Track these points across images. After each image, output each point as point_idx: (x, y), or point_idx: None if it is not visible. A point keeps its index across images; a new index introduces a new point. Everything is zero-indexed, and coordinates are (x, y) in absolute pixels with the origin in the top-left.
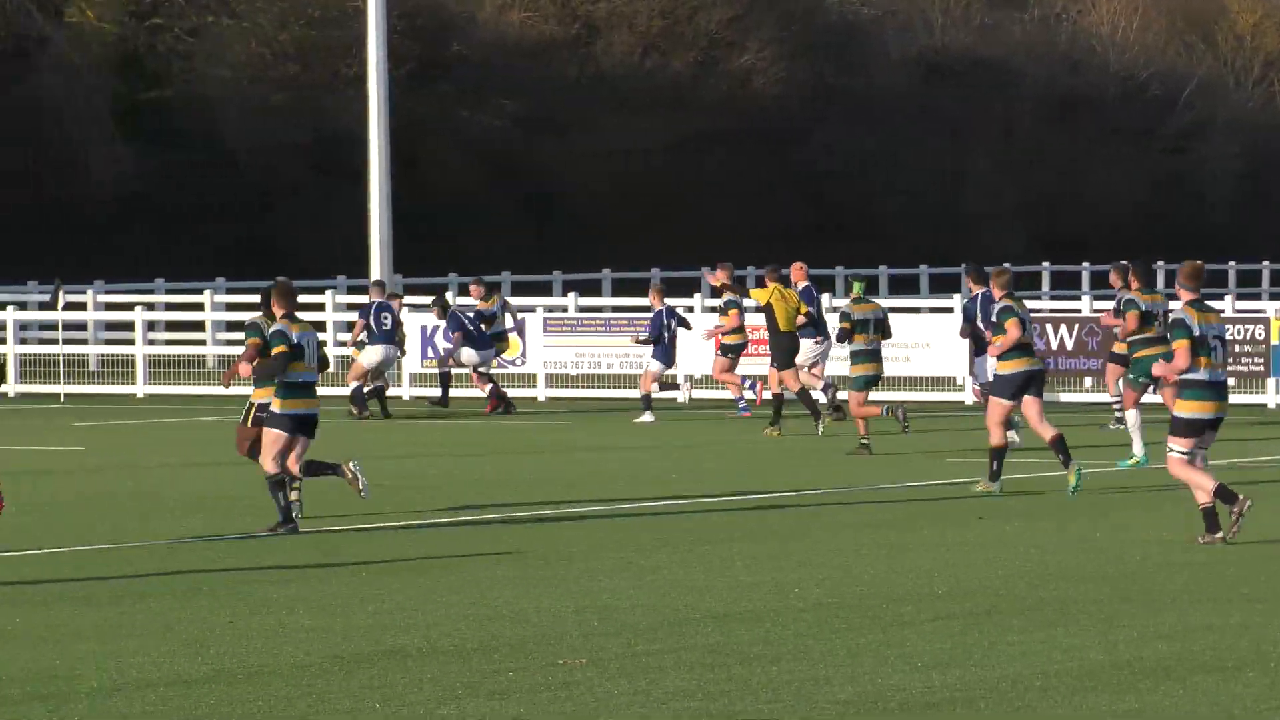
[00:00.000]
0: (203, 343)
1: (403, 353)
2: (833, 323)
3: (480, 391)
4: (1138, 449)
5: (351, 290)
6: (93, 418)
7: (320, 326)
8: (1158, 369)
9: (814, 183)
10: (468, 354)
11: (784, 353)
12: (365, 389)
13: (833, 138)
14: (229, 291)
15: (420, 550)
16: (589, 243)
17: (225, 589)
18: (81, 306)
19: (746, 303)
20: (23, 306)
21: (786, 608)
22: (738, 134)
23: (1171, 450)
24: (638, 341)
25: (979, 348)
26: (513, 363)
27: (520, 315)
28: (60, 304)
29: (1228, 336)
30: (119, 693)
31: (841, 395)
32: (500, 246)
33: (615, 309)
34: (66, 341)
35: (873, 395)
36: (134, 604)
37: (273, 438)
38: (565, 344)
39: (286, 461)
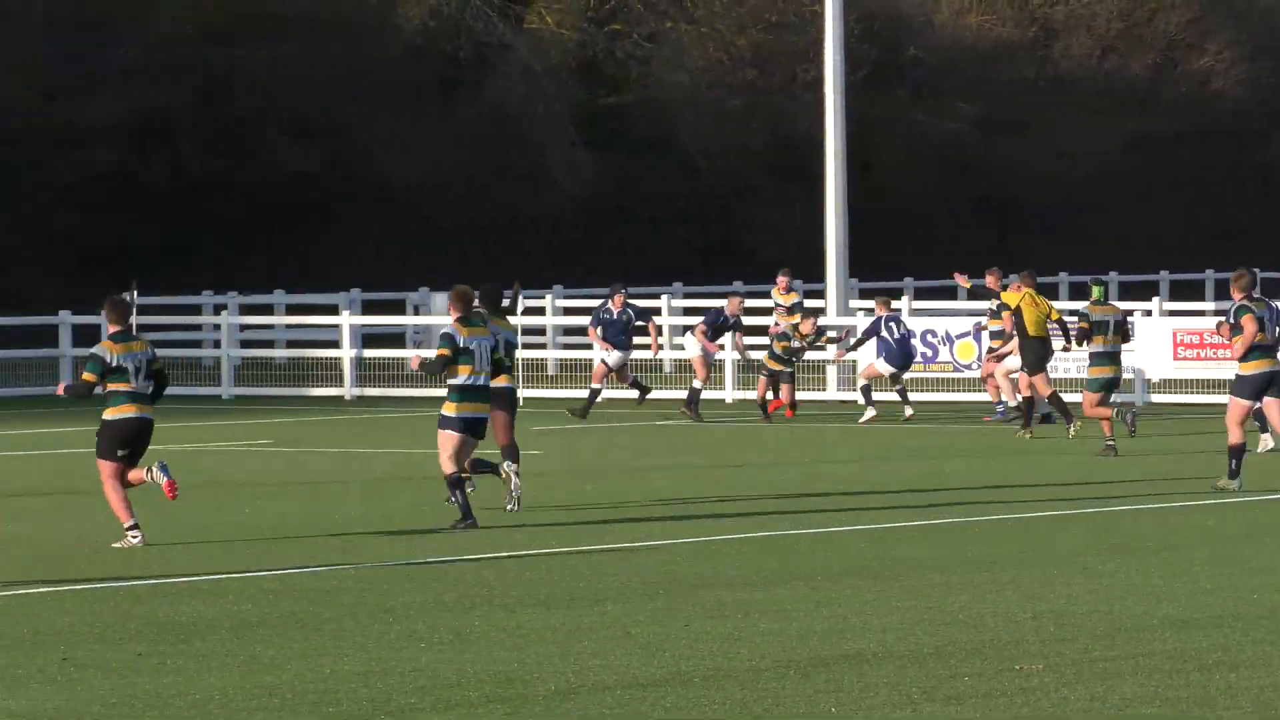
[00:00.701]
0: (660, 347)
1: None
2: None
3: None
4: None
5: (808, 295)
6: (550, 421)
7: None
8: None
9: (1275, 184)
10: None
11: (1035, 357)
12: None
13: None
14: (685, 296)
15: (876, 556)
16: (1047, 245)
17: (681, 592)
18: (540, 311)
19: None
20: None
21: (1246, 614)
22: (1196, 135)
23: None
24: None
25: None
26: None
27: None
28: (520, 308)
29: None
30: (575, 695)
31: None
32: (957, 249)
33: (1070, 313)
34: (525, 346)
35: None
36: (591, 608)
37: (444, 438)
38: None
39: (463, 461)
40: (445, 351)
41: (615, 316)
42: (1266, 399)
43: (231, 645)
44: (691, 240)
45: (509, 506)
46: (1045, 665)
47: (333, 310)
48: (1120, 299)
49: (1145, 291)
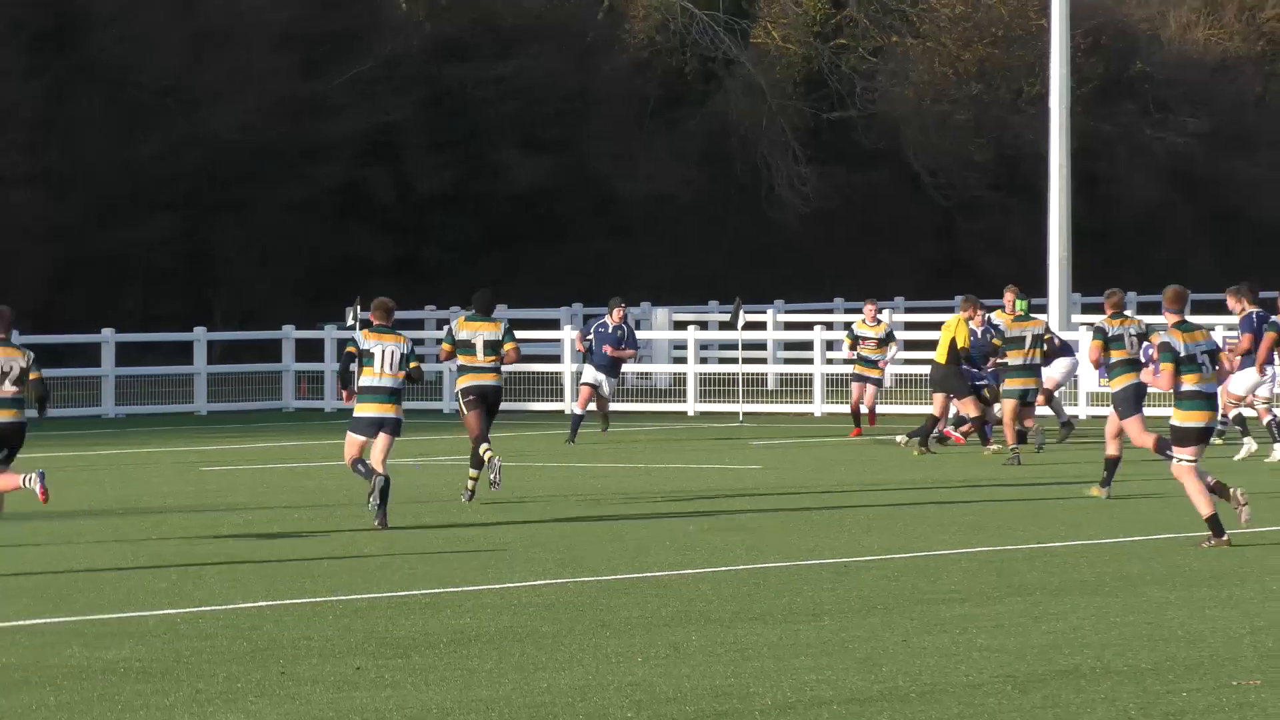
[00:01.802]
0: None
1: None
2: None
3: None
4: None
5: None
6: (770, 435)
7: None
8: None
9: None
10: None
11: (959, 381)
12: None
13: None
14: (907, 310)
15: (1092, 572)
16: (1272, 262)
17: (899, 607)
18: (762, 326)
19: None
20: (703, 326)
21: None
22: None
23: (1179, 459)
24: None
25: None
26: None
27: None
28: (741, 323)
29: None
30: (792, 710)
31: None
32: (1183, 265)
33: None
34: (746, 361)
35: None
36: (808, 622)
37: (349, 439)
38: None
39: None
40: (351, 350)
41: (611, 330)
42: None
43: (449, 659)
44: (914, 255)
45: (493, 478)
46: (1263, 680)
47: (555, 325)
48: None
49: None
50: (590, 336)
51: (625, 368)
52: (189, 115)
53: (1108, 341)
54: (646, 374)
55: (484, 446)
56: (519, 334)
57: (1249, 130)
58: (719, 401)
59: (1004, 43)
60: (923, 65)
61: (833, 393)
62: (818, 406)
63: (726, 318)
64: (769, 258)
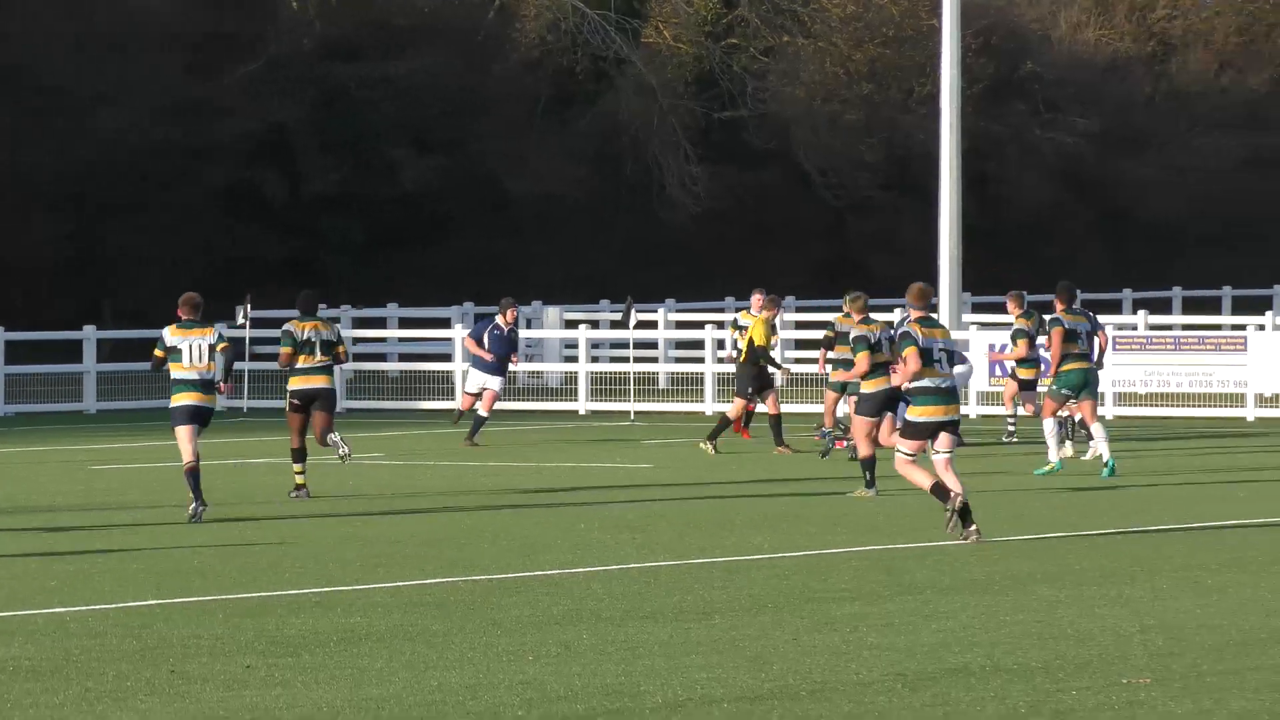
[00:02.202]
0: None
1: None
2: None
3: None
4: (1053, 455)
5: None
6: (660, 434)
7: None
8: (895, 379)
9: None
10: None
11: (752, 380)
12: None
13: None
14: (798, 310)
15: (983, 571)
16: (1161, 260)
17: (789, 606)
18: (653, 325)
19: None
20: (595, 325)
21: None
22: None
23: (899, 451)
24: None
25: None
26: None
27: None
28: (633, 322)
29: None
30: (682, 708)
31: None
32: (1072, 264)
33: (1185, 326)
34: (638, 360)
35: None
36: (698, 621)
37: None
38: (1134, 362)
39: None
40: (158, 351)
41: (505, 333)
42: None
43: (339, 658)
44: (806, 254)
45: (341, 452)
46: (1153, 679)
47: (445, 324)
48: (1234, 313)
49: (1261, 306)
50: (481, 340)
51: (517, 367)
52: (78, 116)
53: (849, 344)
54: (538, 373)
55: (331, 435)
56: (409, 333)
57: (1138, 130)
58: (610, 400)
59: (895, 43)
60: (814, 65)
61: (723, 391)
62: (709, 405)
63: (618, 317)
64: (660, 257)
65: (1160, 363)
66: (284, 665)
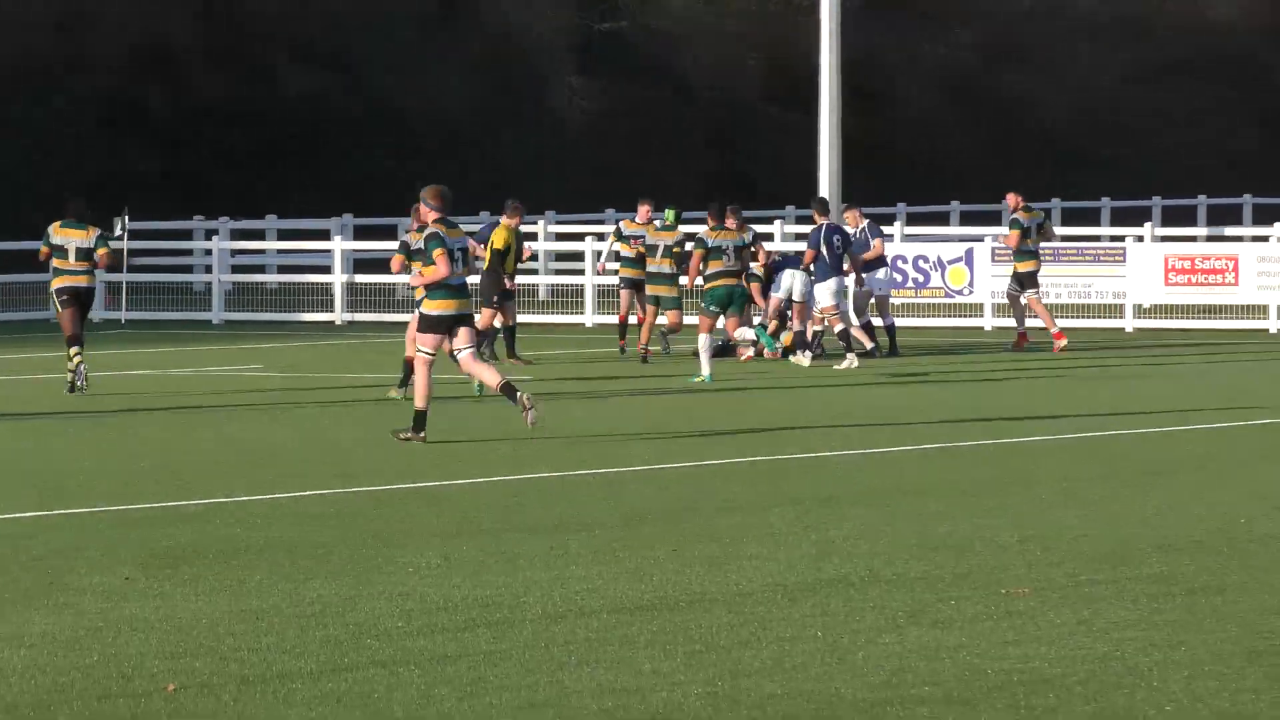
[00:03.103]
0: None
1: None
2: None
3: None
4: (705, 369)
5: (800, 220)
6: (538, 347)
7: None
8: (414, 279)
9: (1272, 112)
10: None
11: (494, 289)
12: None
13: None
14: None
15: (865, 483)
16: (1044, 171)
17: (670, 518)
18: (532, 238)
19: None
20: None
21: (1233, 538)
22: (1194, 63)
23: (420, 350)
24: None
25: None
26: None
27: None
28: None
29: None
30: (562, 619)
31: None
32: (957, 176)
33: (1065, 238)
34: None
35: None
36: (578, 533)
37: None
38: (1003, 274)
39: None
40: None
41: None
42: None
43: (219, 570)
44: (690, 167)
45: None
46: (1032, 589)
47: (324, 235)
48: (1114, 225)
49: (1139, 217)
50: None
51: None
52: None
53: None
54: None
55: (75, 349)
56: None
57: (1020, 42)
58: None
59: None
60: None
61: (604, 304)
62: (589, 317)
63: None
64: (545, 169)
65: (1040, 274)
66: (163, 577)
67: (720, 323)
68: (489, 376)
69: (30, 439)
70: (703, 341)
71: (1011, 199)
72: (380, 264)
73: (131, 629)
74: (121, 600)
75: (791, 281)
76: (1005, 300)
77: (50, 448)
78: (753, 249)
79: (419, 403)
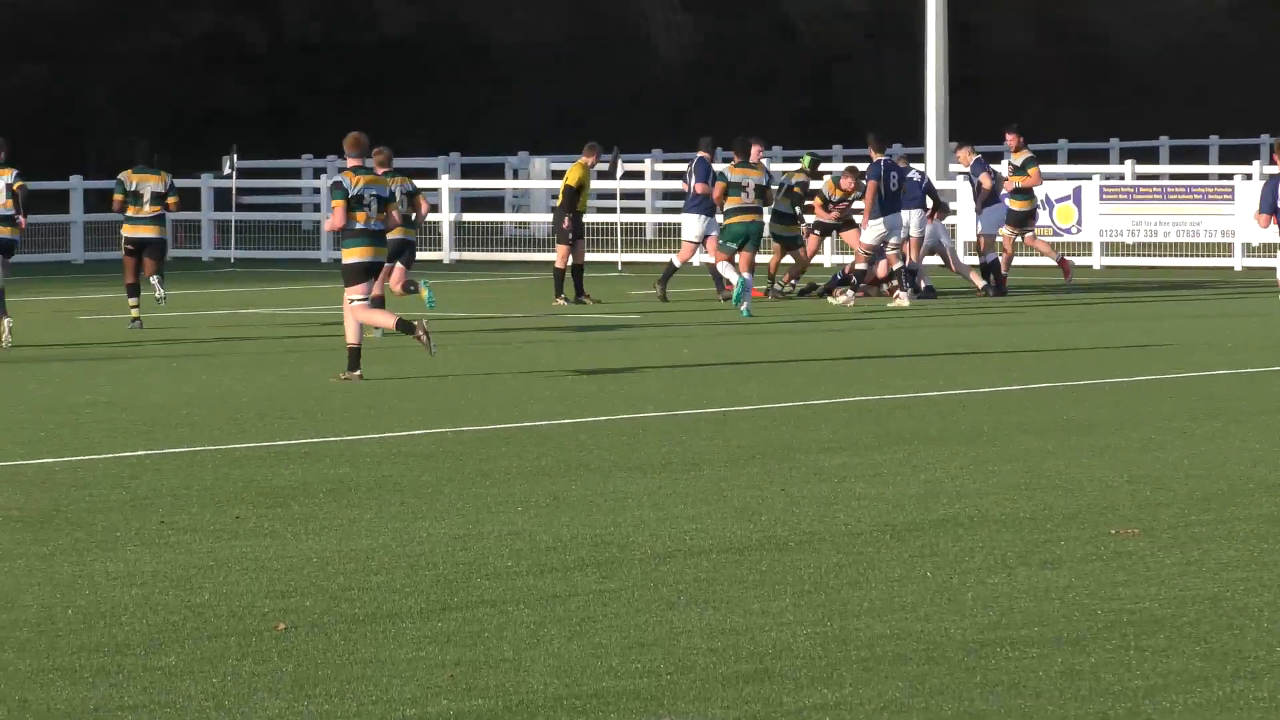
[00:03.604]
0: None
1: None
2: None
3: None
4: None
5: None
6: (649, 286)
7: None
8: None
9: None
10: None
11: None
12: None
13: None
14: (784, 160)
15: (971, 421)
16: (1146, 109)
17: (777, 457)
18: (640, 175)
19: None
20: None
21: None
22: None
23: (351, 300)
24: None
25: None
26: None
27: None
28: (619, 173)
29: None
30: (671, 559)
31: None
32: (1056, 113)
33: (1172, 176)
34: (624, 211)
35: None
36: (686, 471)
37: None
38: (1121, 212)
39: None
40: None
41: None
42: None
43: (329, 508)
44: (789, 105)
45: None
46: (1141, 530)
47: (432, 174)
48: (1221, 162)
49: (1247, 155)
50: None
51: (508, 217)
52: None
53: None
54: (524, 224)
55: (133, 301)
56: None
57: None
58: (598, 251)
59: None
60: None
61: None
62: (697, 256)
63: (605, 167)
64: (645, 107)
65: (1148, 213)
66: (273, 516)
67: (736, 259)
68: (383, 319)
69: (137, 380)
70: (722, 267)
71: (1012, 139)
72: (489, 203)
73: (242, 568)
74: (231, 539)
75: (908, 218)
76: (1113, 239)
77: (157, 387)
78: (799, 190)
79: (351, 339)
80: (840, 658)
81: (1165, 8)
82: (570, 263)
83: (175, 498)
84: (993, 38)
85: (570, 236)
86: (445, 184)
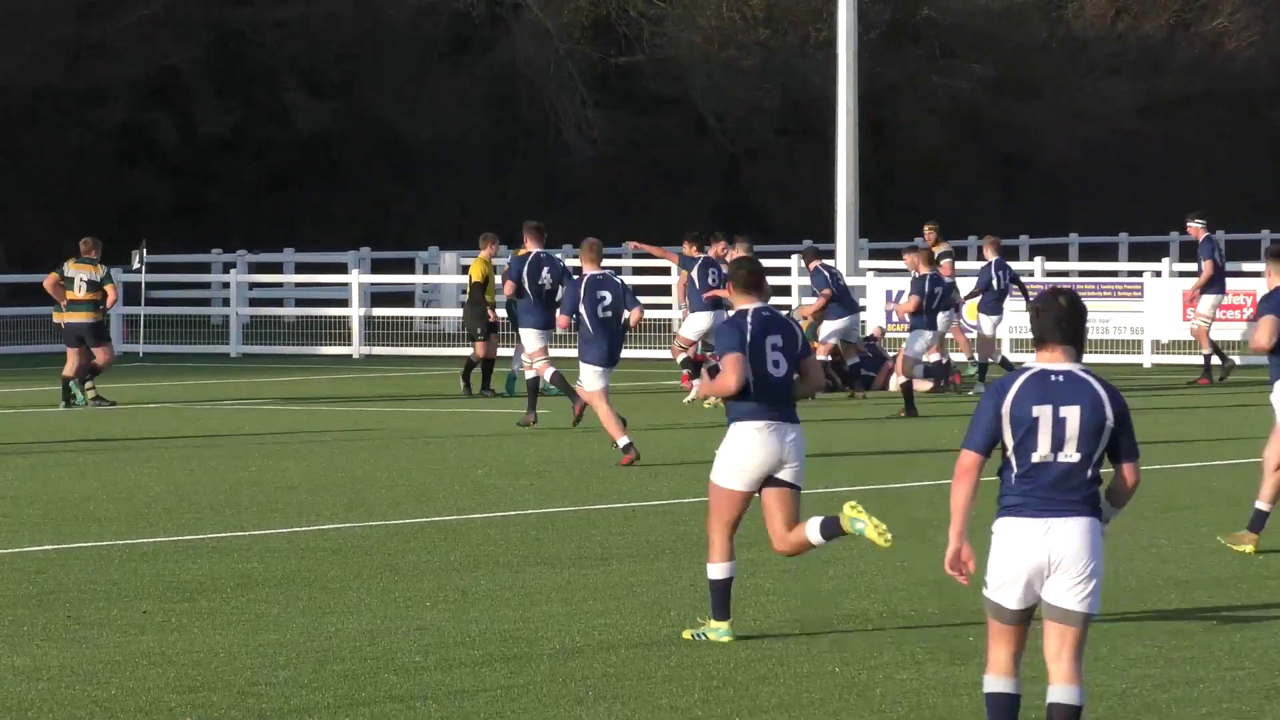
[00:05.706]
0: (668, 307)
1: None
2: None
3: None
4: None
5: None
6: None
7: (785, 291)
8: None
9: None
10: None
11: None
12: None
13: None
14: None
15: (883, 516)
16: (1057, 207)
17: (687, 552)
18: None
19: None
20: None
21: (1251, 575)
22: (1210, 98)
23: None
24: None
25: None
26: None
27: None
28: (135, 264)
29: None
30: (580, 654)
31: None
32: (968, 210)
33: (1082, 273)
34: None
35: None
36: (596, 567)
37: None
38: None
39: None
40: (55, 274)
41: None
42: None
43: (237, 603)
44: (702, 200)
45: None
46: None
47: (342, 269)
48: (1130, 260)
49: (1156, 253)
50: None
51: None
52: None
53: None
54: (434, 318)
55: (87, 383)
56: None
57: (1034, 76)
58: (508, 345)
59: None
60: (710, 10)
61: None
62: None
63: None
64: (556, 202)
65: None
66: (181, 610)
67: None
68: None
69: (43, 474)
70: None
71: (930, 232)
72: (398, 297)
73: (149, 662)
74: (139, 633)
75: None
76: (1022, 335)
77: (64, 482)
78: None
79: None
80: None
81: (1079, 106)
82: (483, 356)
83: (82, 592)
84: (905, 134)
85: (481, 333)
86: (355, 279)
